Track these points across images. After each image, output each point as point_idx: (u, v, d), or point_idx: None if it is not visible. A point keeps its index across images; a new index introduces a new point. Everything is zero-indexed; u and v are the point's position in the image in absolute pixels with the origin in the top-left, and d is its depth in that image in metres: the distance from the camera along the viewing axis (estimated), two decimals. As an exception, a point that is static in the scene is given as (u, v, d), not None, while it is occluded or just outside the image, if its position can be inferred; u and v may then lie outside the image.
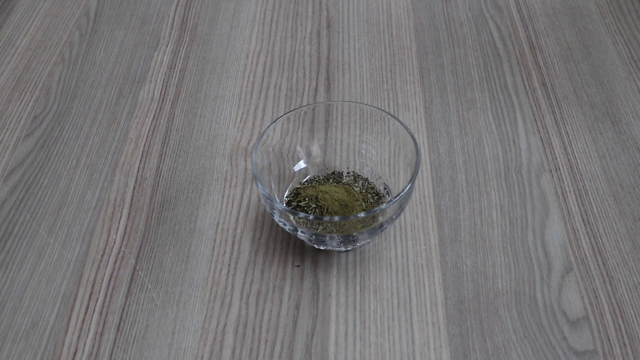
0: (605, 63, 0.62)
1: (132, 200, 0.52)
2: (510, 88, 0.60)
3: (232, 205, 0.52)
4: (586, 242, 0.49)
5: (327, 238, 0.45)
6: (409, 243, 0.49)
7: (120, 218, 0.51)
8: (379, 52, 0.64)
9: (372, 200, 0.49)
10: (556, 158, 0.54)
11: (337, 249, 0.47)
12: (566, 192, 0.52)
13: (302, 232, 0.45)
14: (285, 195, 0.50)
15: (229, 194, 0.52)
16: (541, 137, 0.56)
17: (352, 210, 0.47)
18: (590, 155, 0.54)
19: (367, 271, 0.47)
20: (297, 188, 0.50)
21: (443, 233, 0.49)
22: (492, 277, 0.47)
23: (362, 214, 0.43)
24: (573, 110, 0.58)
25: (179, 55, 0.65)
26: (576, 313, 0.45)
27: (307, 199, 0.48)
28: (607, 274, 0.47)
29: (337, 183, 0.51)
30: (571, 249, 0.48)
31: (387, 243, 0.49)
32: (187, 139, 0.57)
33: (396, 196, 0.45)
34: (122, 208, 0.52)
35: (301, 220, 0.46)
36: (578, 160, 0.54)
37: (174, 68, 0.63)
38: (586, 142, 0.55)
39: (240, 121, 0.58)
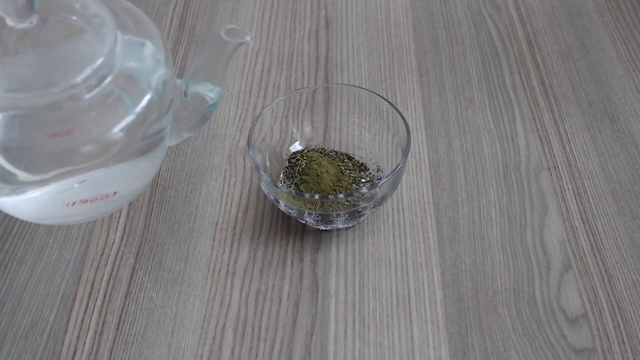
0: (603, 61, 0.62)
1: (131, 199, 0.52)
2: (508, 86, 0.60)
3: (231, 205, 0.52)
4: (585, 240, 0.49)
5: (334, 215, 0.46)
6: (407, 242, 0.49)
7: (119, 217, 0.51)
8: (377, 51, 0.64)
9: (365, 180, 0.51)
10: (555, 156, 0.54)
11: (343, 225, 0.48)
12: (565, 190, 0.52)
13: (308, 213, 0.46)
14: (282, 172, 0.51)
15: (228, 193, 0.52)
16: (540, 136, 0.56)
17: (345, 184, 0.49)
18: (589, 153, 0.54)
19: (366, 270, 0.47)
20: (291, 158, 0.51)
21: (442, 231, 0.49)
22: (491, 275, 0.47)
23: (364, 189, 0.44)
24: (571, 109, 0.58)
25: (178, 55, 0.65)
26: (575, 311, 0.45)
27: (304, 163, 0.50)
28: (605, 271, 0.47)
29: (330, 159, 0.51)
30: (570, 247, 0.48)
31: (386, 242, 0.49)
32: (185, 139, 0.57)
33: (395, 169, 0.45)
34: (121, 208, 0.52)
35: (307, 202, 0.46)
36: (577, 158, 0.54)
37: (173, 68, 0.63)
38: (585, 140, 0.55)
39: (239, 120, 0.58)
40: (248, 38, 0.41)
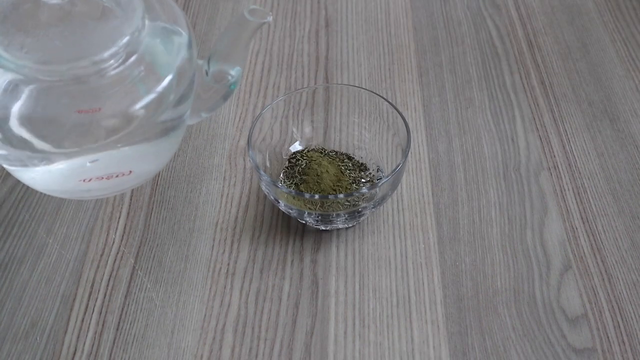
0: (603, 61, 0.62)
1: (131, 199, 0.52)
2: (508, 86, 0.60)
3: (231, 205, 0.52)
4: (585, 240, 0.49)
5: (334, 215, 0.46)
6: (407, 242, 0.49)
7: (119, 217, 0.51)
8: (377, 51, 0.64)
9: (364, 180, 0.51)
10: (555, 156, 0.54)
11: (343, 225, 0.48)
12: (565, 190, 0.52)
13: (308, 213, 0.46)
14: (282, 172, 0.51)
15: (227, 193, 0.52)
16: (540, 136, 0.56)
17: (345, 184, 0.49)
18: (589, 153, 0.54)
19: (366, 270, 0.47)
20: (291, 158, 0.51)
21: (442, 231, 0.49)
22: (491, 275, 0.47)
23: (364, 189, 0.44)
24: (571, 109, 0.58)
25: (178, 54, 0.65)
26: (575, 311, 0.45)
27: (304, 163, 0.50)
28: (605, 271, 0.47)
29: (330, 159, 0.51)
30: (570, 247, 0.48)
31: (386, 242, 0.49)
32: (185, 139, 0.57)
33: (394, 169, 0.45)
34: (121, 208, 0.52)
35: (307, 201, 0.46)
36: (577, 158, 0.54)
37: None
38: (584, 140, 0.55)
39: (239, 120, 0.58)
40: (269, 18, 0.43)
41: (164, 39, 0.42)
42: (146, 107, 0.40)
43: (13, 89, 0.38)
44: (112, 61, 0.39)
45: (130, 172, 0.44)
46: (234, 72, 0.45)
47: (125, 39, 0.39)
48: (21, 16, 0.39)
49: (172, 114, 0.43)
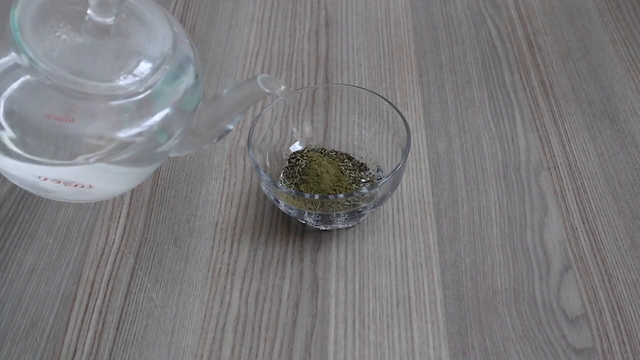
0: (603, 61, 0.62)
1: (130, 199, 0.52)
2: (508, 86, 0.60)
3: (231, 205, 0.52)
4: (585, 240, 0.49)
5: (334, 215, 0.46)
6: (407, 241, 0.49)
7: (119, 217, 0.51)
8: (377, 51, 0.64)
9: (364, 180, 0.51)
10: (555, 156, 0.54)
11: (343, 225, 0.48)
12: (565, 190, 0.52)
13: (308, 213, 0.46)
14: (282, 173, 0.51)
15: (227, 193, 0.52)
16: (540, 136, 0.56)
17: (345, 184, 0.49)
18: (589, 153, 0.54)
19: (366, 270, 0.47)
20: (291, 158, 0.51)
21: (442, 231, 0.49)
22: (491, 275, 0.47)
23: (364, 189, 0.44)
24: (571, 109, 0.58)
25: (178, 54, 0.65)
26: (575, 311, 0.45)
27: (304, 163, 0.50)
28: (605, 271, 0.47)
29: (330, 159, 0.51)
30: (570, 247, 0.48)
31: (386, 242, 0.49)
32: (185, 139, 0.57)
33: (394, 169, 0.45)
34: (121, 207, 0.52)
35: (307, 201, 0.46)
36: (577, 158, 0.54)
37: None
38: (584, 140, 0.55)
39: (239, 120, 0.58)
40: (278, 91, 0.43)
41: (178, 78, 0.42)
42: (141, 135, 0.40)
43: (18, 80, 0.38)
44: (125, 90, 0.39)
45: (91, 186, 0.44)
46: (231, 125, 0.46)
47: (147, 72, 0.39)
48: (61, 23, 0.39)
49: (161, 149, 0.43)
